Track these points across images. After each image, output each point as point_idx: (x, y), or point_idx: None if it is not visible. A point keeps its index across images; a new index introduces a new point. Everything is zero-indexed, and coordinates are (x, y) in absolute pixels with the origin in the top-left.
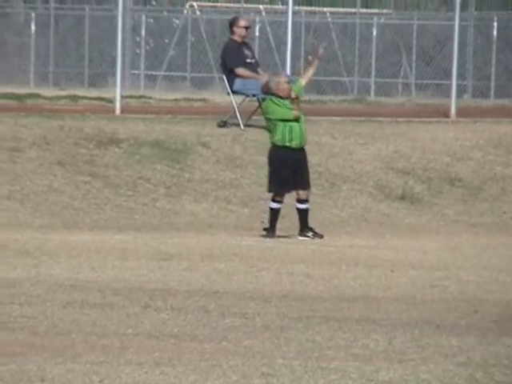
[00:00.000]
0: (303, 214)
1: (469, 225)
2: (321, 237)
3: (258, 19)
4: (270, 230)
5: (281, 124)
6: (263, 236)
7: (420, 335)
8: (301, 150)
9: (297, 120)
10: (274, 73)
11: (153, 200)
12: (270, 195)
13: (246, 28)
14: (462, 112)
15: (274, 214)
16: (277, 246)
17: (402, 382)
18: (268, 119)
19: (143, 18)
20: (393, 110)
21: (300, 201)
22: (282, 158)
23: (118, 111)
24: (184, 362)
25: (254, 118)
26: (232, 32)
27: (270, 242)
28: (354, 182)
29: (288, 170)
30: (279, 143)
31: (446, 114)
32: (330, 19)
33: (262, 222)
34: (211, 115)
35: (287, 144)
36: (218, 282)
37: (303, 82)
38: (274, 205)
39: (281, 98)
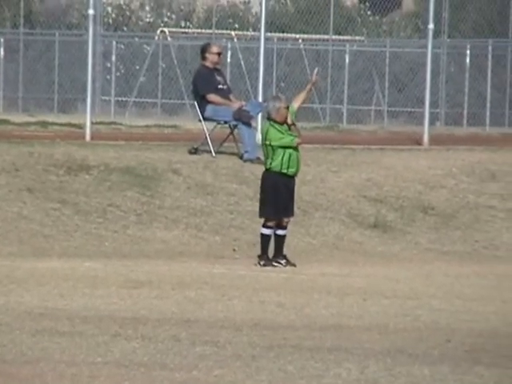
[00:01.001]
0: (280, 241)
1: (441, 253)
2: (293, 265)
3: (229, 45)
4: (264, 257)
5: (281, 151)
6: (259, 264)
7: (392, 364)
8: (293, 178)
9: (296, 148)
10: (274, 97)
11: (123, 227)
12: (241, 223)
13: (219, 54)
14: (435, 140)
15: (267, 239)
16: (248, 274)
17: None
18: (267, 145)
19: (114, 43)
20: (365, 138)
21: (280, 227)
22: (278, 185)
23: (88, 137)
24: None
25: (226, 144)
26: (204, 58)
27: (265, 269)
28: (326, 210)
29: (282, 196)
30: (276, 169)
31: (419, 142)
32: (302, 46)
33: (234, 249)
34: (182, 142)
35: (284, 171)
36: (189, 311)
37: (295, 105)
38: (267, 231)
39: (279, 123)
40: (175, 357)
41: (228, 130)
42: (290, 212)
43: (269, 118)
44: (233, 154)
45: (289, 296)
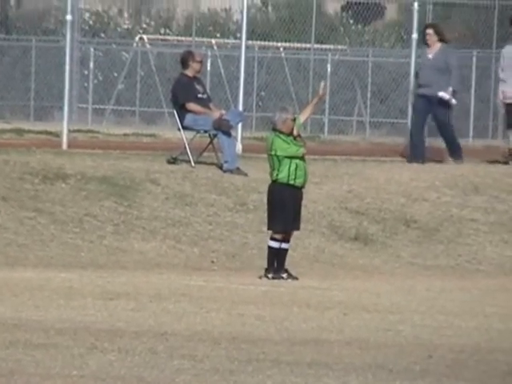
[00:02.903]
0: (283, 254)
1: (424, 267)
2: (295, 279)
3: (209, 53)
4: (271, 270)
5: (287, 161)
6: (266, 277)
7: (373, 380)
8: (301, 189)
9: (302, 158)
10: (281, 108)
11: (100, 237)
12: (220, 234)
13: (201, 62)
14: None
15: (274, 252)
16: (226, 287)
17: None
18: (273, 156)
19: (91, 50)
20: (347, 149)
21: (284, 240)
22: (285, 197)
23: (64, 146)
24: None
25: (205, 154)
26: (187, 66)
27: (272, 281)
28: (307, 222)
29: (290, 208)
30: (284, 181)
31: (402, 154)
32: (283, 54)
33: (212, 261)
34: (161, 151)
35: (291, 182)
36: (167, 323)
37: (302, 118)
38: (274, 244)
39: (285, 134)
40: (152, 370)
41: (208, 140)
42: (296, 225)
43: (274, 129)
44: (212, 164)
45: (268, 309)
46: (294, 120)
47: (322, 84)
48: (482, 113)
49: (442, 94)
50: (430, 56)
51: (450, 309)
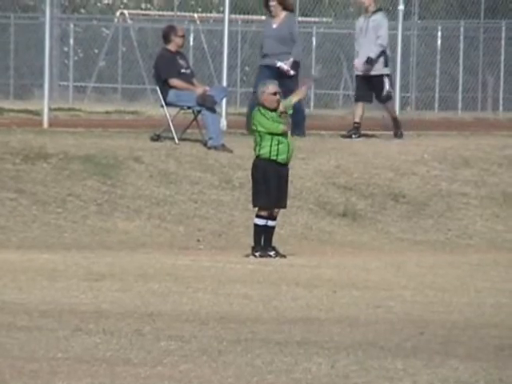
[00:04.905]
0: (269, 232)
1: (413, 242)
2: (283, 257)
3: (192, 28)
4: (258, 248)
5: (269, 137)
6: (254, 255)
7: (364, 358)
8: (285, 166)
9: (285, 135)
10: (263, 82)
11: (83, 217)
12: (205, 213)
13: (183, 37)
14: (406, 125)
15: (260, 230)
16: (214, 266)
17: None
18: (254, 131)
19: (71, 26)
20: (334, 123)
21: (270, 217)
22: (268, 173)
23: (45, 124)
24: None
25: (189, 131)
26: (169, 41)
27: (259, 258)
28: (294, 199)
29: (274, 184)
30: (265, 156)
31: (389, 128)
32: None
33: (198, 240)
34: (144, 128)
35: (273, 158)
36: (153, 304)
37: (294, 100)
38: (260, 221)
39: (268, 109)
40: (139, 352)
41: (191, 116)
42: (282, 203)
43: (258, 104)
44: (197, 140)
45: (256, 288)
46: (275, 94)
47: (314, 76)
48: (470, 84)
49: (280, 64)
50: (275, 26)
51: (441, 284)
